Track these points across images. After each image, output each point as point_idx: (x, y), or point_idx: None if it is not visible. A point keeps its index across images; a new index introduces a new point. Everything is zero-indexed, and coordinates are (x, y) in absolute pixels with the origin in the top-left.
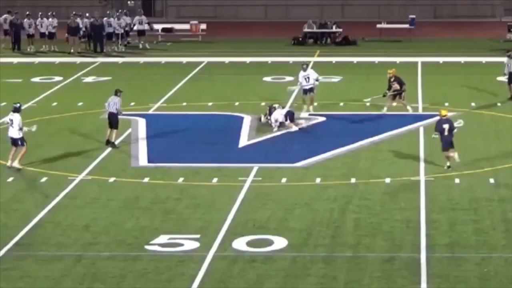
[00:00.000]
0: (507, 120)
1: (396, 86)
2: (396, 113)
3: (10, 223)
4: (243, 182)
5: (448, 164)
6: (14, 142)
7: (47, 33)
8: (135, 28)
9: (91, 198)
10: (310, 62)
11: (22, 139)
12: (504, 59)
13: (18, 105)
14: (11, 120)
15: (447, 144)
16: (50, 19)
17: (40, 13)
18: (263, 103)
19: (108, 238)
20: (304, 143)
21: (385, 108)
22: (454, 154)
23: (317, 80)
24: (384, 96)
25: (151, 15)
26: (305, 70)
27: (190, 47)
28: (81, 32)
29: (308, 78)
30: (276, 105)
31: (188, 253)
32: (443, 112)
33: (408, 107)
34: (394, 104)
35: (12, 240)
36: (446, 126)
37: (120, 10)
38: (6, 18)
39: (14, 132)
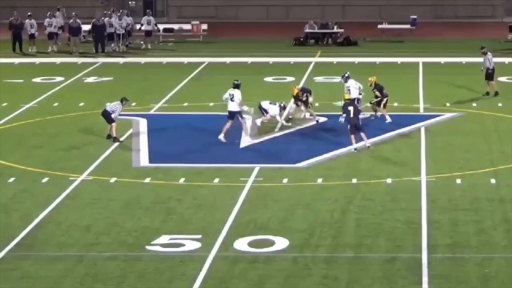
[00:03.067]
0: (508, 121)
1: (377, 93)
2: (396, 113)
3: (11, 223)
4: (245, 182)
5: (355, 146)
6: (232, 115)
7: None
8: (142, 28)
9: (92, 199)
10: (347, 72)
11: (240, 113)
12: (505, 60)
13: (239, 82)
14: (231, 95)
15: (353, 127)
16: (50, 19)
17: (48, 13)
18: None
19: (109, 239)
20: (305, 143)
21: (378, 114)
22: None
23: (360, 93)
24: (370, 103)
25: (152, 15)
26: (346, 81)
27: (191, 47)
28: (82, 33)
29: (349, 90)
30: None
31: (189, 253)
32: (346, 96)
33: (387, 117)
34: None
35: (13, 241)
36: (351, 109)
37: (121, 10)
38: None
39: (233, 106)
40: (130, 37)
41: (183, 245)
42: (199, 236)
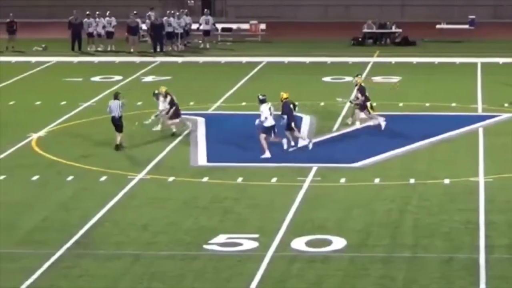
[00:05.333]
0: None
1: (358, 94)
2: (455, 113)
3: (70, 221)
4: (302, 182)
5: (292, 143)
6: (362, 107)
7: (103, 32)
8: (201, 27)
9: (150, 198)
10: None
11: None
12: None
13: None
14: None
15: (289, 125)
16: (107, 18)
17: (97, 13)
18: (322, 103)
19: (167, 238)
20: (362, 143)
21: (371, 123)
22: (300, 134)
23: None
24: (350, 102)
25: (210, 15)
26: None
27: (249, 47)
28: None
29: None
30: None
31: (247, 252)
32: (285, 95)
33: (357, 122)
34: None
35: (72, 239)
36: (291, 106)
37: (181, 10)
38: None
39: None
40: (189, 36)
41: (240, 244)
42: (257, 236)
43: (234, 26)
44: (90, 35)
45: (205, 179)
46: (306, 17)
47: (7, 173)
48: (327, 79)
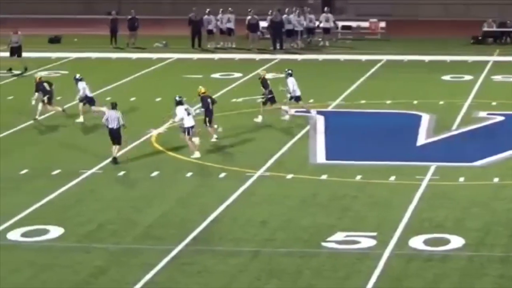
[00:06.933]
0: None
1: (263, 90)
2: None
3: (188, 217)
4: (420, 180)
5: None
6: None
7: (224, 29)
8: (321, 25)
9: (269, 195)
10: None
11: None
12: None
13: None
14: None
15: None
16: (227, 15)
17: (221, 10)
18: (441, 102)
19: (285, 234)
20: (482, 142)
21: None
22: (216, 128)
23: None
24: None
25: (331, 13)
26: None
27: (369, 45)
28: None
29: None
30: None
31: (365, 250)
32: (203, 90)
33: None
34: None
35: (190, 235)
36: (209, 101)
37: (303, 8)
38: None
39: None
40: (313, 34)
41: (358, 242)
42: (375, 234)
43: (354, 24)
44: (210, 32)
45: (324, 176)
46: (426, 15)
47: (127, 169)
48: (446, 77)
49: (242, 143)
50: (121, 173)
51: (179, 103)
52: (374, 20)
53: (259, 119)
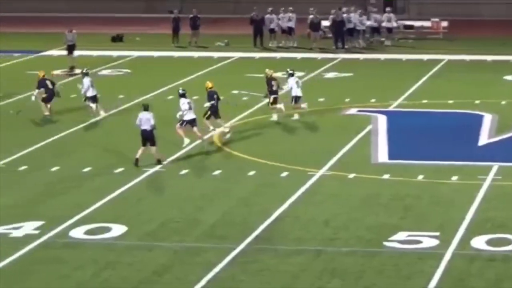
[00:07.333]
0: None
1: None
2: None
3: (251, 216)
4: (483, 180)
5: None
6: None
7: (286, 28)
8: (383, 25)
9: (331, 194)
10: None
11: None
12: None
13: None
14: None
15: (216, 112)
16: (288, 14)
17: (282, 9)
18: (503, 102)
19: (348, 234)
20: None
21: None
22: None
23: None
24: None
25: (392, 12)
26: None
27: (431, 45)
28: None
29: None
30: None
31: (427, 250)
32: (210, 84)
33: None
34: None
35: (253, 234)
36: (215, 96)
37: (368, 7)
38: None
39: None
40: (378, 34)
41: (420, 242)
42: (437, 234)
43: (416, 23)
44: (271, 31)
45: (386, 176)
46: (488, 14)
47: (190, 168)
48: (509, 77)
49: (304, 142)
50: (184, 171)
51: (183, 95)
52: (436, 19)
53: (274, 117)
